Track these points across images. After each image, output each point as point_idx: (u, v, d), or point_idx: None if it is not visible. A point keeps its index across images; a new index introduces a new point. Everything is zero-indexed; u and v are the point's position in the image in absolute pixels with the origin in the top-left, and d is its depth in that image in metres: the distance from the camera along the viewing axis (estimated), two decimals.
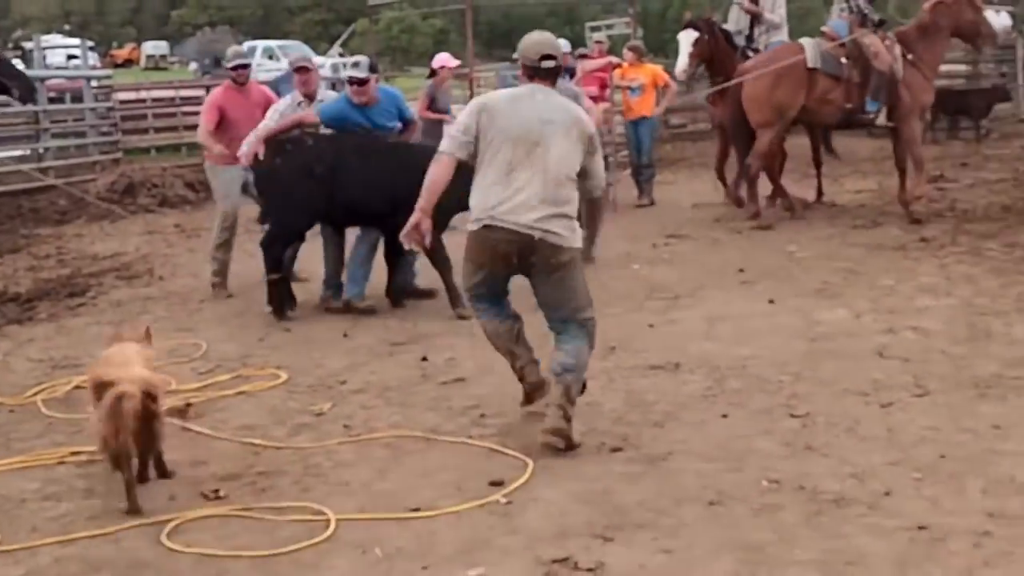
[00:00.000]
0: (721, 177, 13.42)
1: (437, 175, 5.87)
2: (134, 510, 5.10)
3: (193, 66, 63.32)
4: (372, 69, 9.11)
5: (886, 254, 10.42)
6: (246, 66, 10.09)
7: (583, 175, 5.87)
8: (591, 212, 9.86)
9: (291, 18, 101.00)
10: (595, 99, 14.25)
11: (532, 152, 5.67)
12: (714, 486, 5.11)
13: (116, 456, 5.14)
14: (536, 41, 5.96)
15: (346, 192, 8.77)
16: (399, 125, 9.36)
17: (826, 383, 6.60)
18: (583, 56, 14.49)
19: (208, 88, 23.16)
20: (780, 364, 7.03)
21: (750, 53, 13.09)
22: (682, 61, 12.80)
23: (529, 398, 6.23)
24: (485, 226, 5.72)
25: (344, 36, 41.49)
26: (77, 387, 7.20)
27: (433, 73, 13.13)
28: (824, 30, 12.53)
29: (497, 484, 5.25)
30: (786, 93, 11.92)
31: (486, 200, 5.72)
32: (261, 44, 46.69)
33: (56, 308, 9.86)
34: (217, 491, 5.37)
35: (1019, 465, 5.17)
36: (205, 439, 6.19)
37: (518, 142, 5.69)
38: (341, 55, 36.91)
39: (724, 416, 6.12)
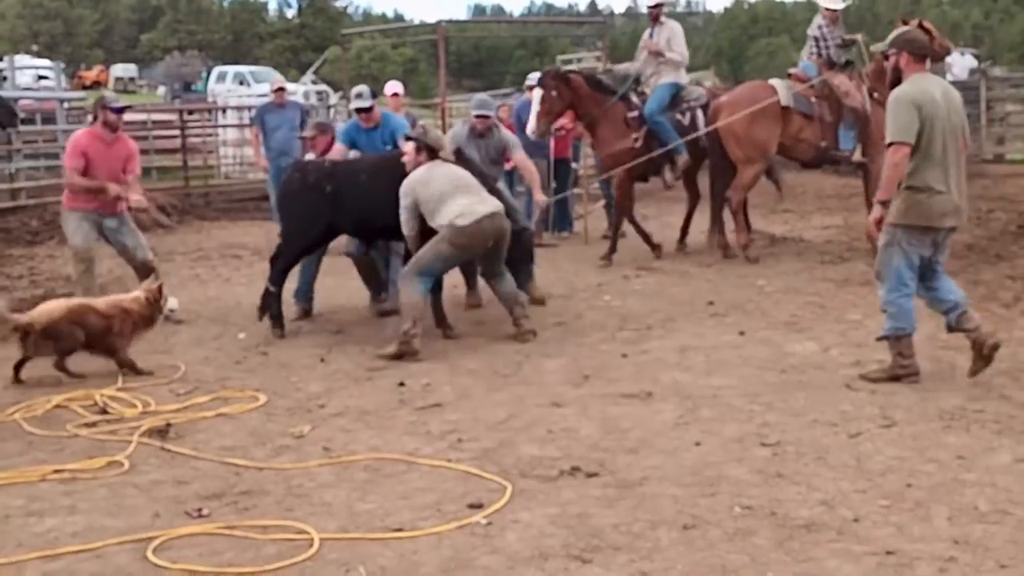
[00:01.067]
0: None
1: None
2: None
3: (162, 90, 63.29)
4: (372, 95, 10.19)
5: (853, 289, 10.62)
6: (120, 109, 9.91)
7: None
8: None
9: (261, 44, 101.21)
10: (568, 131, 14.52)
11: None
12: (688, 511, 5.24)
13: None
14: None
15: (357, 207, 9.24)
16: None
17: (796, 413, 6.77)
18: None
19: (180, 112, 23.30)
20: (751, 394, 7.19)
21: (644, 91, 12.98)
22: (531, 122, 12.51)
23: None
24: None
25: (316, 64, 41.60)
26: (57, 406, 7.27)
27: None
28: (792, 72, 12.77)
29: (476, 506, 5.36)
30: (763, 131, 12.19)
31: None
32: (232, 69, 46.83)
33: None
34: (200, 510, 5.45)
35: (982, 494, 5.34)
36: (187, 459, 6.27)
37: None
38: (313, 82, 36.98)
39: (697, 444, 6.27)
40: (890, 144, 7.04)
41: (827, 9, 12.56)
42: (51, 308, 8.28)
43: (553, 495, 5.51)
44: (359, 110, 10.25)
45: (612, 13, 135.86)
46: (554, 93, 12.39)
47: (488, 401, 7.28)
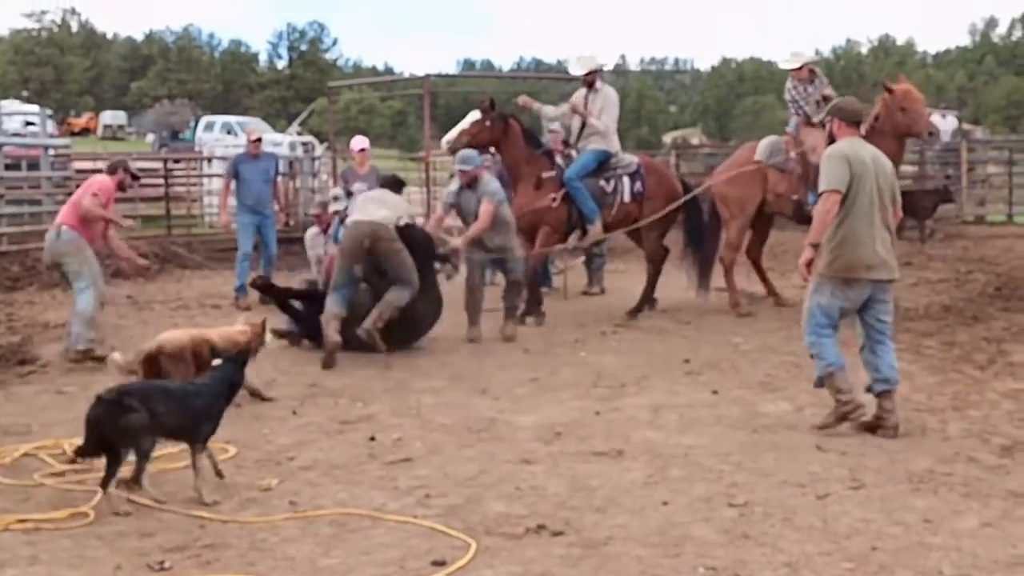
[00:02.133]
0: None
1: None
2: None
3: (150, 137, 63.50)
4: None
5: None
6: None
7: None
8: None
9: (251, 94, 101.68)
10: None
11: None
12: (652, 571, 5.23)
13: None
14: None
15: None
16: None
17: (765, 473, 6.76)
18: None
19: (164, 161, 23.37)
20: (722, 454, 7.18)
21: (571, 153, 13.02)
22: (452, 132, 12.70)
23: None
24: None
25: (303, 115, 41.80)
26: (25, 454, 7.24)
27: None
28: (787, 132, 13.28)
29: (440, 564, 5.34)
30: (740, 189, 13.01)
31: None
32: (220, 119, 47.02)
33: (5, 375, 9.87)
34: (163, 563, 5.42)
35: (946, 558, 5.34)
36: (152, 511, 6.23)
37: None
38: (299, 133, 37.12)
39: (665, 503, 6.25)
40: (822, 192, 7.60)
41: (792, 71, 12.93)
42: (178, 335, 8.72)
43: (517, 553, 5.49)
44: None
45: (600, 69, 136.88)
46: (488, 123, 12.43)
47: (458, 456, 7.26)
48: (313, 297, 10.98)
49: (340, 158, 21.76)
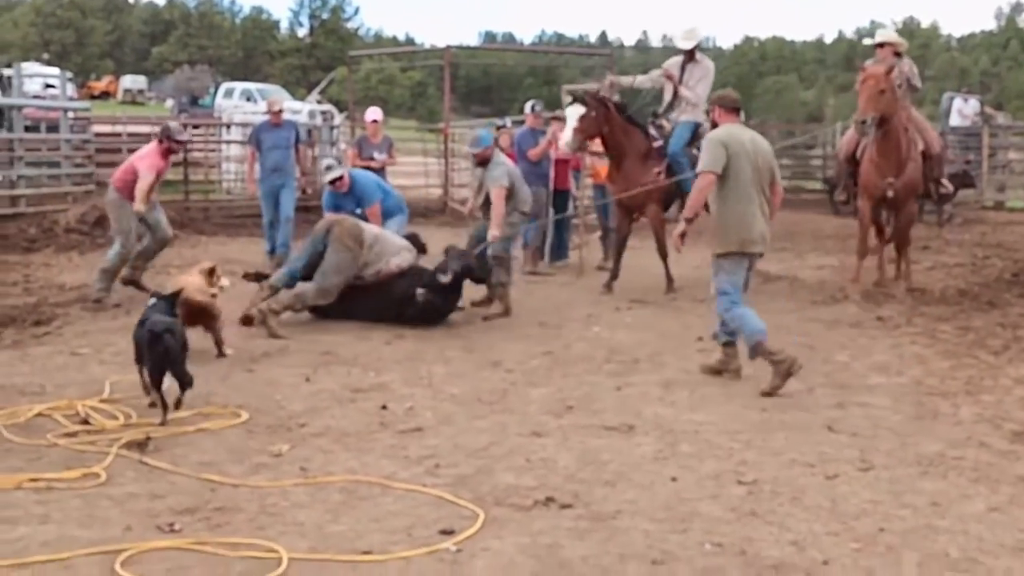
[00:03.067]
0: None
1: None
2: None
3: (170, 103, 63.51)
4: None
5: (843, 331, 10.64)
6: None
7: None
8: None
9: (271, 62, 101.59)
10: (566, 163, 14.60)
11: None
12: (659, 546, 5.24)
13: None
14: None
15: None
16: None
17: (775, 452, 6.77)
18: (555, 119, 14.82)
19: (185, 127, 23.32)
20: (732, 432, 7.19)
21: (662, 123, 13.15)
22: (567, 135, 12.69)
23: None
24: None
25: (323, 84, 41.64)
26: (39, 415, 7.28)
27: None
28: None
29: (447, 533, 5.36)
30: None
31: None
32: (239, 86, 46.97)
33: (21, 336, 9.91)
34: (173, 524, 5.46)
35: (954, 541, 5.34)
36: (163, 473, 6.27)
37: None
38: (319, 102, 37.07)
39: (674, 479, 6.27)
40: (699, 173, 8.52)
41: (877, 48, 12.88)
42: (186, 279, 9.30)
43: (525, 525, 5.51)
44: (331, 181, 11.95)
45: (622, 45, 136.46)
46: (593, 114, 12.55)
47: (469, 428, 7.28)
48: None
49: (359, 127, 21.75)
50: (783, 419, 7.55)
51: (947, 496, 6.02)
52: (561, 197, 15.00)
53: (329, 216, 11.30)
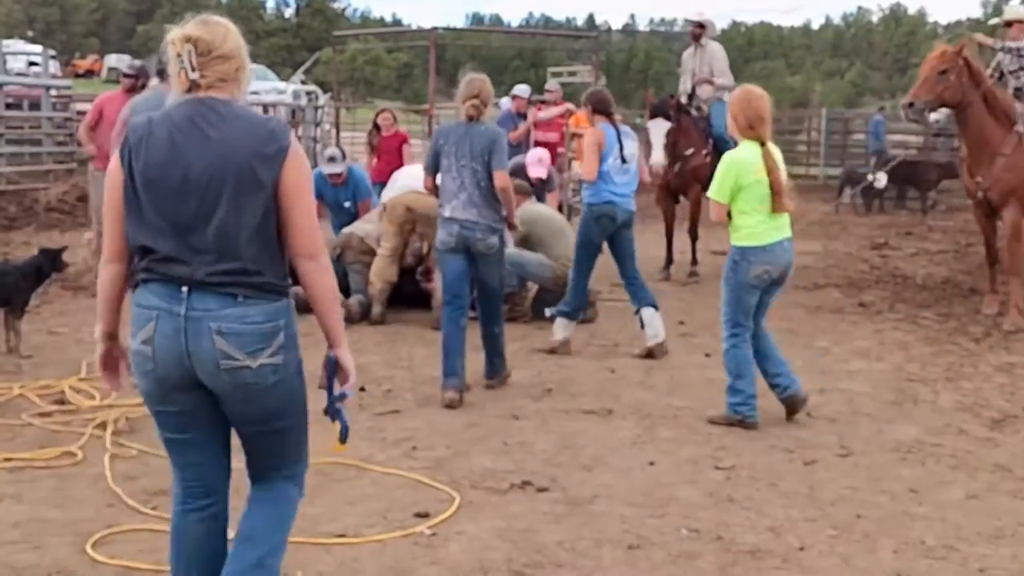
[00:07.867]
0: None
1: None
2: None
3: (155, 81, 63.11)
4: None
5: (824, 316, 10.65)
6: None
7: None
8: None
9: (257, 41, 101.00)
10: (553, 146, 14.53)
11: None
12: (635, 531, 5.22)
13: None
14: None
15: None
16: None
17: (753, 438, 6.76)
18: (541, 103, 14.76)
19: None
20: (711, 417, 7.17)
21: (697, 109, 13.21)
22: (658, 155, 12.23)
23: None
24: None
25: (308, 64, 41.54)
26: (21, 395, 7.23)
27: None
28: None
29: (423, 516, 5.33)
30: None
31: None
32: None
33: None
34: (149, 504, 5.42)
35: (930, 529, 5.33)
36: (140, 454, 6.22)
37: None
38: (303, 82, 36.94)
39: (651, 463, 6.25)
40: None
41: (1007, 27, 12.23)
42: None
43: (501, 508, 5.49)
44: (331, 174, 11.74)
45: (609, 29, 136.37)
46: (676, 127, 12.50)
47: (447, 410, 7.25)
48: None
49: (344, 108, 21.66)
50: (762, 404, 7.49)
51: (925, 483, 6.01)
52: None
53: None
